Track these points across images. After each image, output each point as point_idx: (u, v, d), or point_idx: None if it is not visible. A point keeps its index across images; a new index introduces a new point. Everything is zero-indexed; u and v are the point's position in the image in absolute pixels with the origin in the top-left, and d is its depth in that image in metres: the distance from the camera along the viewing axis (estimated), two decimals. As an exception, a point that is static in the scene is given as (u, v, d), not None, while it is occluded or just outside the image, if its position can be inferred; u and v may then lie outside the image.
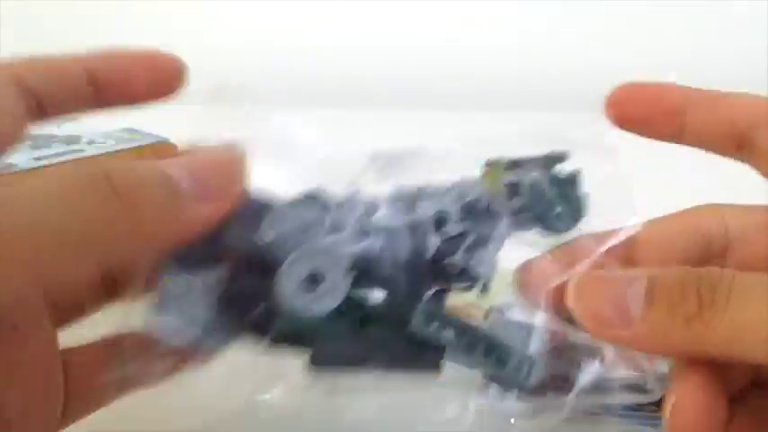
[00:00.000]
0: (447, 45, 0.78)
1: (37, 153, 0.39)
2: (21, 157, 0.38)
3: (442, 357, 0.24)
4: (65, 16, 0.84)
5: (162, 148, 0.42)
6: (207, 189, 0.21)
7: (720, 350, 0.21)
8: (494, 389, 0.24)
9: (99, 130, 0.44)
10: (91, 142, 0.42)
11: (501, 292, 0.26)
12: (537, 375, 0.24)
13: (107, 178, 0.20)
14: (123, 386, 0.25)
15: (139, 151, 0.42)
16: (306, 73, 0.80)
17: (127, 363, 0.22)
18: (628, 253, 0.25)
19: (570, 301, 0.23)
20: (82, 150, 0.41)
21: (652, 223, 0.27)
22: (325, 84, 0.80)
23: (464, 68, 0.78)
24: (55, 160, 0.39)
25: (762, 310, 0.20)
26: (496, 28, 0.77)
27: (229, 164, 0.23)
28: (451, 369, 0.24)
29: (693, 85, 0.27)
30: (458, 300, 0.25)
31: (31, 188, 0.19)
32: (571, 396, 0.24)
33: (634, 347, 0.23)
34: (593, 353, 0.24)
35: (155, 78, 0.25)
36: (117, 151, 0.41)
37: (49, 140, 0.41)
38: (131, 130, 0.45)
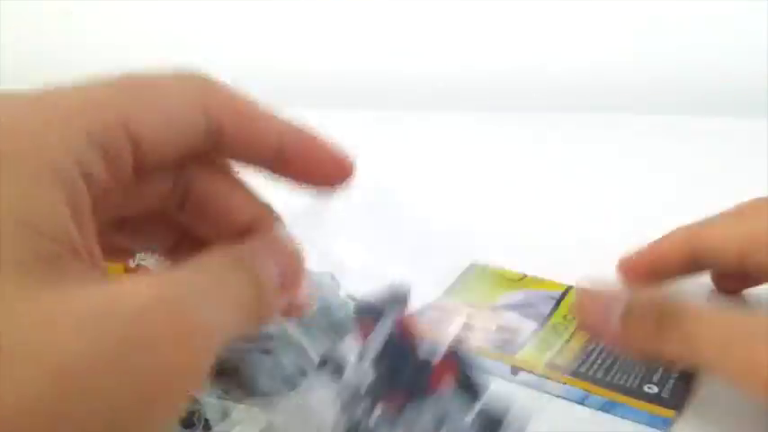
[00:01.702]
0: (445, 44, 0.78)
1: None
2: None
3: None
4: (64, 16, 0.84)
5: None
6: (287, 281, 0.23)
7: (675, 353, 0.32)
8: None
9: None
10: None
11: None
12: None
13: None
14: None
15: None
16: (300, 73, 0.80)
17: None
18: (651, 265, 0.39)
19: (575, 310, 0.35)
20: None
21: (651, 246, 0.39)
22: (319, 84, 0.80)
23: (461, 68, 0.78)
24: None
25: (702, 332, 0.31)
26: (494, 28, 0.77)
27: (298, 254, 0.24)
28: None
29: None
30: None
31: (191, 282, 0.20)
32: None
33: (616, 345, 0.35)
34: None
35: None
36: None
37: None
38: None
